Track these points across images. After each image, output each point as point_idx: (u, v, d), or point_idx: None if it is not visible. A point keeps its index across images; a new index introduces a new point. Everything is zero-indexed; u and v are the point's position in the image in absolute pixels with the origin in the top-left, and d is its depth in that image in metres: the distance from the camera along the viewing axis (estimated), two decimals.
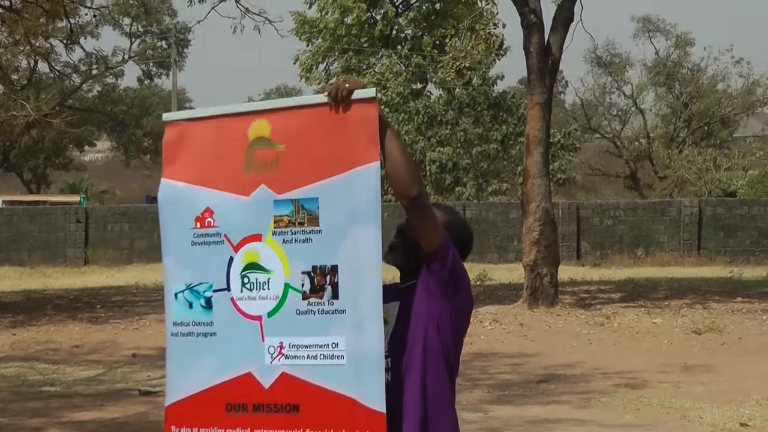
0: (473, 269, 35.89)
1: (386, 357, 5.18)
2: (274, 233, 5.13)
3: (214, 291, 5.28)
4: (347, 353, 4.99)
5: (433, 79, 57.02)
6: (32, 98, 34.14)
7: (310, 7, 53.69)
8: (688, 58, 70.98)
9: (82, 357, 20.55)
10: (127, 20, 56.46)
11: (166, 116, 5.65)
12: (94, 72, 55.24)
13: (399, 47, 55.18)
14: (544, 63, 27.68)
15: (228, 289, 5.24)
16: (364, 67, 55.93)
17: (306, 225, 5.07)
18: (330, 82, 4.83)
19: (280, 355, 5.11)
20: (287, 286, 5.10)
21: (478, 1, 49.29)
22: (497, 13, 34.86)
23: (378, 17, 52.99)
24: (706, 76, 70.49)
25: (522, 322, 24.55)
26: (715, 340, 21.65)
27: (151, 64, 65.07)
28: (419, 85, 57.50)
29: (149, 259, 46.68)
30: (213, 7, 30.89)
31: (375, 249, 4.95)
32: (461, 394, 15.14)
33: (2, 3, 28.20)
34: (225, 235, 5.25)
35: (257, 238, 5.18)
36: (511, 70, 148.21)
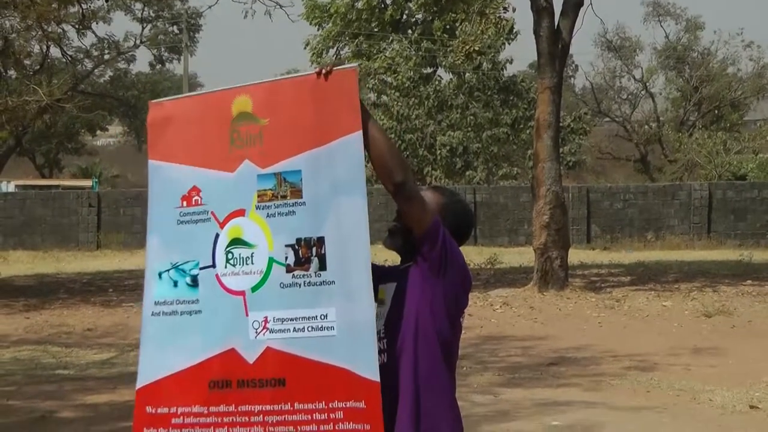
0: (483, 252, 36.07)
1: (382, 338, 5.26)
2: (257, 208, 5.15)
3: (201, 268, 5.28)
4: (338, 324, 4.99)
5: (444, 64, 56.95)
6: (44, 83, 34.09)
7: None
8: (698, 42, 70.97)
9: (95, 340, 20.59)
10: (138, 5, 56.45)
11: (153, 102, 5.70)
12: (106, 57, 55.23)
13: (409, 32, 55.11)
14: (554, 47, 27.66)
15: (214, 265, 5.24)
16: (375, 51, 55.86)
17: (289, 198, 5.08)
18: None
19: (264, 330, 5.10)
20: (271, 260, 5.10)
21: None
22: None
23: (388, 2, 52.95)
24: (716, 59, 70.43)
25: (532, 305, 24.57)
26: (725, 323, 21.64)
27: (162, 49, 65.01)
28: (429, 70, 57.40)
29: None
30: None
31: (362, 218, 4.99)
32: (472, 377, 15.20)
33: None
34: (212, 212, 5.27)
35: (241, 213, 5.20)
36: (521, 54, 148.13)
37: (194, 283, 5.28)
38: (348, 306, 4.99)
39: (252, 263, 5.14)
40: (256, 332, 5.11)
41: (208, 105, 5.40)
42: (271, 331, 5.07)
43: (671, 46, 70.51)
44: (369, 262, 5.00)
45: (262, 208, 5.14)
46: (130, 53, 59.87)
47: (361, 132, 4.94)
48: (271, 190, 5.11)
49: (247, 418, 5.10)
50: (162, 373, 5.32)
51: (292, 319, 5.04)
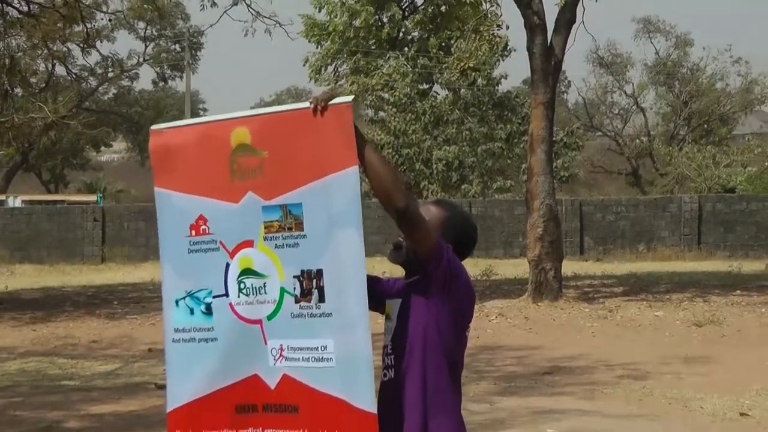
0: (479, 264, 36.08)
1: (389, 353, 5.32)
2: (265, 239, 5.18)
3: (214, 297, 5.32)
4: (335, 355, 5.04)
5: (439, 80, 57.16)
6: (50, 100, 34.21)
7: (319, 11, 53.73)
8: (687, 58, 71.11)
9: (100, 352, 20.61)
10: (141, 24, 56.61)
11: (154, 127, 5.71)
12: (110, 75, 55.38)
13: (406, 49, 55.22)
14: (547, 63, 27.72)
15: (227, 294, 5.28)
16: (372, 68, 55.97)
17: (294, 230, 5.11)
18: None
19: (281, 357, 5.18)
20: (282, 290, 5.15)
21: (483, 3, 49.31)
22: (501, 15, 34.70)
23: (385, 20, 53.08)
24: (705, 75, 70.59)
25: (527, 316, 24.59)
26: (716, 332, 21.66)
27: (165, 66, 65.20)
28: (426, 86, 57.53)
29: None
30: (225, 11, 30.98)
31: (357, 252, 4.98)
32: (468, 386, 15.17)
33: (20, 8, 28.25)
34: (220, 242, 5.30)
35: (250, 244, 5.23)
36: (514, 70, 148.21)
37: (209, 311, 5.33)
38: (345, 338, 5.04)
39: (265, 293, 5.18)
40: (275, 359, 5.19)
41: (207, 135, 5.40)
42: (287, 359, 5.16)
43: (661, 62, 70.66)
44: (365, 296, 5.01)
45: (270, 239, 5.17)
46: (133, 71, 60.06)
47: (356, 167, 4.97)
48: (278, 221, 5.14)
49: None
50: (189, 397, 5.40)
51: (300, 349, 5.13)
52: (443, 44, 55.11)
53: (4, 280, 37.55)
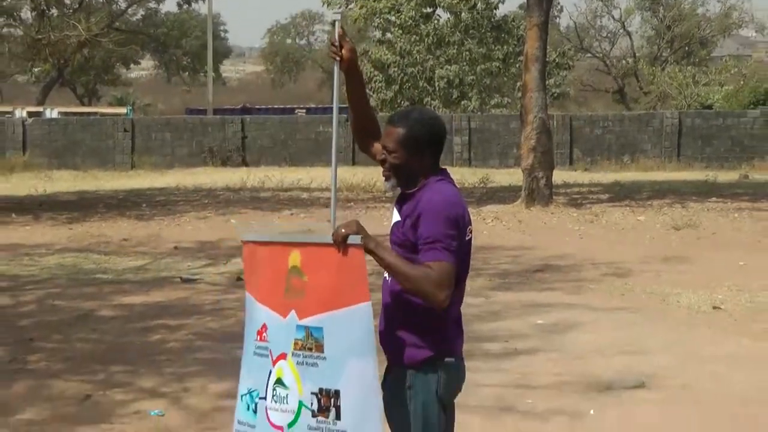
0: (477, 173, 36.03)
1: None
2: (293, 354, 5.20)
3: (259, 398, 5.38)
4: None
5: (442, 4, 56.68)
6: (83, 20, 33.93)
7: None
8: None
9: (130, 249, 20.65)
10: None
11: (243, 236, 5.77)
12: None
13: None
14: None
15: (265, 398, 5.34)
16: None
17: (314, 351, 5.13)
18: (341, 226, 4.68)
19: None
20: (300, 404, 5.17)
21: None
22: None
23: None
24: (687, 1, 70.07)
25: (520, 219, 24.61)
26: (692, 235, 21.69)
27: None
28: (429, 9, 57.09)
29: (188, 165, 46.75)
30: None
31: (372, 379, 5.00)
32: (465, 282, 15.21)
33: None
34: (270, 350, 5.34)
35: (284, 356, 5.26)
36: None
37: (255, 410, 5.40)
38: None
39: (287, 403, 5.21)
40: None
41: (274, 254, 5.44)
42: None
43: None
44: (379, 419, 5.01)
45: (294, 356, 5.20)
46: None
47: (369, 303, 4.97)
48: (301, 341, 5.17)
49: None
50: None
51: None
52: None
53: (43, 184, 37.52)
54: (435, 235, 5.04)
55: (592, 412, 9.27)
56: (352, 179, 29.55)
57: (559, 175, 31.96)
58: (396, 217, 5.34)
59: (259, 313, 5.43)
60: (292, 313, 5.21)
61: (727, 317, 13.28)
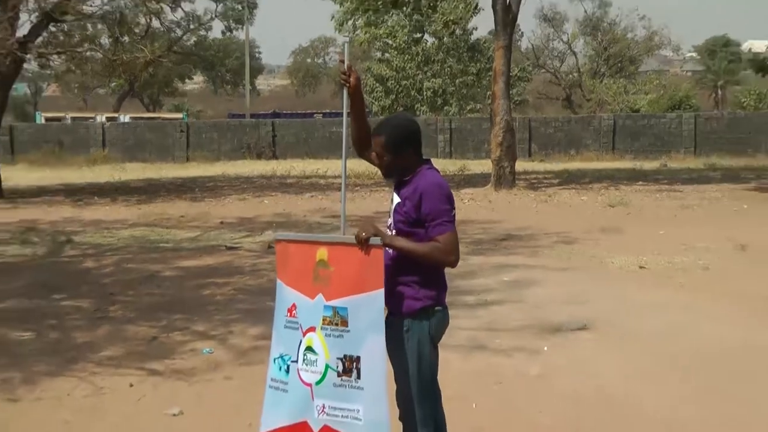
0: (456, 163, 36.00)
1: (391, 228, 5.39)
2: (322, 328, 5.28)
3: (291, 361, 5.45)
4: (364, 417, 5.16)
5: (428, 31, 56.74)
6: (149, 45, 33.95)
7: None
8: (607, 15, 70.29)
9: (186, 224, 20.64)
10: None
11: (277, 236, 5.80)
12: (191, 27, 54.90)
13: (404, 8, 54.64)
14: (507, 17, 27.60)
15: (297, 361, 5.41)
16: (380, 22, 55.39)
17: (339, 326, 5.22)
18: (358, 227, 4.81)
19: (323, 413, 5.27)
20: (327, 366, 5.26)
21: None
22: None
23: None
24: (620, 27, 69.89)
25: (490, 200, 24.64)
26: (624, 211, 21.70)
27: (230, 21, 64.45)
28: (418, 35, 57.16)
29: (231, 158, 46.76)
30: None
31: (382, 347, 5.15)
32: None
33: None
34: (300, 325, 5.41)
35: (313, 329, 5.33)
36: (482, 24, 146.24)
37: (288, 370, 5.46)
38: (371, 406, 5.15)
39: (316, 366, 5.29)
40: (318, 413, 5.29)
41: (303, 250, 5.49)
42: (327, 415, 5.26)
43: (588, 18, 69.82)
44: (385, 380, 5.12)
45: (323, 329, 5.28)
46: (208, 24, 59.34)
47: (382, 290, 5.11)
48: (329, 317, 5.25)
49: None
50: (270, 426, 5.53)
51: (339, 409, 5.22)
52: (431, 4, 54.49)
53: (118, 173, 37.53)
54: (437, 212, 5.15)
55: (546, 348, 9.30)
56: (358, 169, 29.49)
57: (521, 165, 31.96)
58: (396, 199, 5.35)
59: (289, 295, 5.49)
60: (320, 296, 5.30)
61: (650, 275, 13.31)
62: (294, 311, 5.47)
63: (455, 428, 5.71)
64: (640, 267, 13.87)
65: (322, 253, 5.38)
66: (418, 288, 5.25)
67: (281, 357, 5.52)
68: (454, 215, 5.24)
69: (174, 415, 7.51)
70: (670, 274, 13.34)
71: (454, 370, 7.85)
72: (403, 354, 5.24)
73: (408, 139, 5.35)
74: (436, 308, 5.33)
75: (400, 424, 5.41)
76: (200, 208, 24.11)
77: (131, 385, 8.32)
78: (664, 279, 12.94)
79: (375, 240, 5.09)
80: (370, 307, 5.16)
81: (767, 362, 8.71)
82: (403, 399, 5.30)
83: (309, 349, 5.36)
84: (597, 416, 7.31)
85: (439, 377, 5.49)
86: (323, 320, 5.28)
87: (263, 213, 22.54)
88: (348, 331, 5.20)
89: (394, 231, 5.33)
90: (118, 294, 12.55)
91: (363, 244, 5.10)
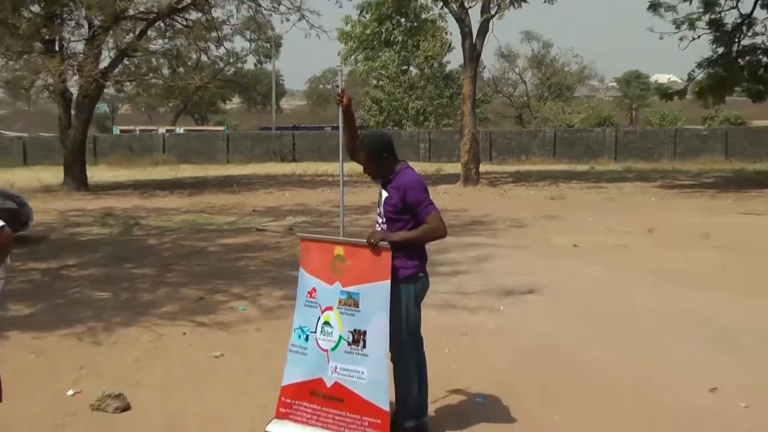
0: (434, 166, 35.94)
1: (381, 215, 5.45)
2: (338, 308, 5.37)
3: (310, 332, 5.50)
4: (367, 377, 5.26)
5: (413, 63, 56.72)
6: (198, 75, 33.99)
7: (346, 24, 53.01)
8: (549, 53, 70.12)
9: (226, 211, 20.64)
10: (247, 33, 55.85)
11: (300, 235, 5.83)
12: (231, 60, 54.86)
13: (394, 46, 54.62)
14: (473, 55, 27.61)
15: (315, 332, 5.47)
16: (376, 57, 55.62)
17: (352, 306, 5.32)
18: (369, 233, 5.00)
19: (335, 372, 5.36)
20: (340, 337, 5.35)
21: (438, 20, 48.45)
22: (447, 27, 34.55)
23: (383, 30, 52.46)
24: (559, 63, 69.80)
25: (460, 194, 24.67)
26: (563, 203, 21.72)
27: (261, 56, 64.40)
28: (405, 67, 57.10)
29: (260, 161, 46.70)
30: (293, 24, 30.95)
31: (385, 327, 5.21)
32: None
33: (182, 23, 27.94)
34: (319, 304, 5.47)
35: (330, 308, 5.41)
36: (454, 59, 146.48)
37: (307, 339, 5.51)
38: (373, 369, 5.25)
39: (331, 336, 5.38)
40: (331, 372, 5.37)
41: (324, 247, 5.54)
42: (338, 374, 5.35)
43: (535, 55, 69.70)
44: (386, 348, 5.24)
45: (339, 308, 5.37)
46: (243, 58, 59.26)
47: (388, 281, 5.20)
48: (344, 300, 5.34)
49: (328, 412, 5.39)
50: (291, 381, 5.57)
51: (348, 370, 5.31)
52: (416, 44, 54.55)
53: (174, 172, 37.52)
54: (420, 199, 5.29)
55: (501, 307, 9.31)
56: (357, 169, 29.43)
57: (483, 167, 31.94)
58: (385, 194, 5.42)
59: (310, 281, 5.54)
60: (337, 284, 5.39)
61: (581, 251, 13.32)
62: (314, 294, 5.50)
63: (432, 367, 5.71)
64: (574, 245, 13.88)
65: (339, 250, 5.45)
66: (405, 260, 5.28)
67: (300, 328, 5.56)
68: (431, 199, 5.36)
69: (216, 357, 7.53)
70: (596, 251, 13.36)
71: (432, 324, 7.85)
72: (396, 310, 5.25)
73: (381, 148, 5.45)
74: (420, 274, 5.39)
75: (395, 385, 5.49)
76: (237, 199, 24.09)
77: (184, 334, 8.34)
78: (592, 255, 12.96)
79: (383, 243, 5.21)
80: (377, 293, 5.22)
81: (667, 317, 8.75)
82: (395, 345, 5.31)
83: (326, 323, 5.42)
84: (539, 358, 7.33)
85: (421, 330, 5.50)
86: (339, 302, 5.36)
87: (285, 203, 22.54)
88: (359, 311, 5.29)
89: (384, 219, 5.38)
90: (173, 264, 12.56)
91: (373, 246, 5.21)
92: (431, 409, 5.78)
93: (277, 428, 5.57)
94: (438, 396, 6.16)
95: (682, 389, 6.50)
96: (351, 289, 5.33)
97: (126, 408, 6.14)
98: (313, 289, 5.51)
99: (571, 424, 5.79)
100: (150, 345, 7.98)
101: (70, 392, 6.56)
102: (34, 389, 6.62)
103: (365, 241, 5.27)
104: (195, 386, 6.71)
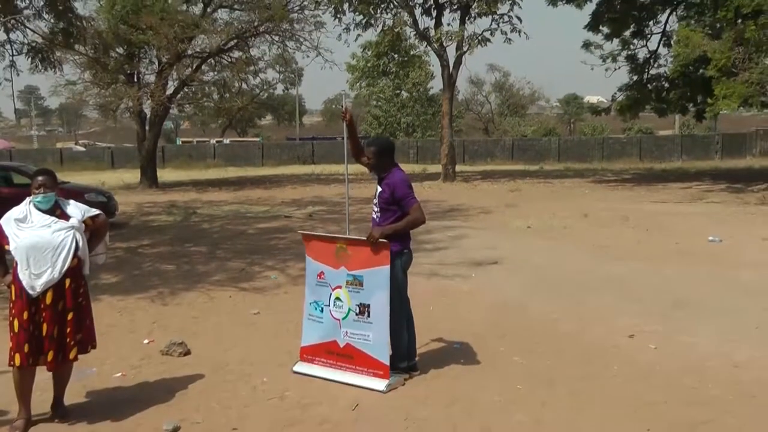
0: (421, 167, 35.71)
1: (376, 206, 5.43)
2: (346, 286, 5.35)
3: (324, 305, 5.47)
4: (372, 339, 5.25)
5: (404, 88, 56.45)
6: (240, 99, 33.96)
7: (353, 59, 52.85)
8: (508, 80, 69.83)
9: (261, 202, 20.56)
10: (276, 66, 55.58)
11: (302, 232, 5.81)
12: (264, 87, 54.61)
13: (390, 75, 54.40)
14: (450, 81, 27.46)
15: (329, 305, 5.44)
16: (375, 84, 55.48)
17: (357, 286, 5.29)
18: (371, 237, 5.01)
19: (347, 335, 5.35)
20: (349, 309, 5.34)
21: (423, 56, 48.12)
22: (430, 61, 34.30)
23: (380, 63, 52.20)
24: (515, 87, 69.61)
25: (440, 188, 24.51)
26: (519, 194, 21.63)
27: (287, 83, 64.08)
28: (398, 91, 56.83)
29: (287, 164, 46.43)
30: (312, 60, 31.00)
31: (386, 300, 5.19)
32: None
33: (228, 60, 27.89)
34: (329, 284, 5.43)
35: (339, 287, 5.38)
36: (436, 84, 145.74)
37: (322, 311, 5.47)
38: (376, 334, 5.24)
39: (342, 308, 5.36)
40: (343, 335, 5.37)
41: (324, 241, 5.52)
42: (349, 337, 5.34)
43: (497, 81, 69.39)
44: (387, 318, 5.19)
45: (346, 287, 5.34)
46: (273, 85, 58.87)
47: (388, 266, 5.16)
48: (350, 280, 5.32)
49: (342, 365, 5.38)
50: (309, 342, 5.54)
51: (357, 333, 5.30)
52: (406, 75, 54.37)
53: (222, 173, 37.40)
54: (405, 194, 5.28)
55: (473, 275, 9.30)
56: (360, 170, 29.36)
57: (458, 167, 31.76)
58: (379, 189, 5.43)
59: (317, 266, 5.50)
60: (343, 268, 5.36)
61: (534, 231, 13.29)
62: (323, 276, 5.46)
63: (419, 321, 5.71)
64: (528, 227, 13.84)
65: (342, 242, 5.41)
66: (394, 241, 5.28)
67: (315, 302, 5.52)
68: (414, 193, 5.35)
69: (254, 314, 7.54)
70: (545, 230, 13.33)
71: (419, 288, 7.86)
72: (391, 275, 5.24)
73: (385, 149, 5.46)
74: (405, 251, 5.39)
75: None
76: (269, 193, 23.98)
77: (230, 297, 8.34)
78: (542, 233, 12.94)
79: (382, 240, 5.20)
80: (378, 275, 5.20)
81: (597, 279, 8.75)
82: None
83: (337, 298, 5.40)
84: (503, 315, 7.34)
85: (409, 293, 5.50)
86: (346, 282, 5.33)
87: (306, 196, 22.47)
88: (363, 289, 5.27)
89: (378, 208, 5.39)
90: (221, 243, 12.54)
91: (373, 242, 5.19)
92: (419, 353, 5.79)
93: (302, 368, 5.58)
94: (424, 343, 6.16)
95: (607, 333, 6.53)
96: (356, 272, 5.29)
97: (187, 353, 6.18)
98: (322, 272, 5.47)
99: (527, 361, 5.82)
100: (204, 305, 7.98)
101: (146, 341, 6.59)
102: (119, 338, 6.66)
103: (364, 238, 5.26)
104: (238, 336, 6.73)
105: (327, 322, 5.46)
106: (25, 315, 4.53)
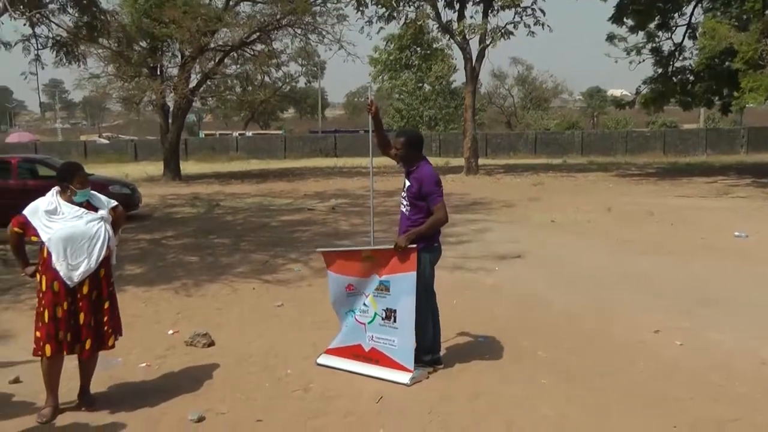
0: (443, 160, 35.62)
1: (404, 198, 5.38)
2: (373, 292, 5.35)
3: (355, 311, 5.47)
4: (397, 344, 5.25)
5: (426, 81, 56.31)
6: (262, 92, 34.04)
7: (375, 52, 52.79)
8: (531, 74, 69.38)
9: (284, 195, 20.63)
10: (299, 59, 55.74)
11: (319, 250, 5.80)
12: (287, 80, 54.67)
13: (412, 68, 54.26)
14: (473, 74, 27.31)
15: (354, 311, 5.45)
16: (398, 77, 55.35)
17: (383, 291, 5.30)
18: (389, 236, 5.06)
19: (372, 340, 5.36)
20: (375, 314, 5.34)
21: (446, 49, 47.92)
22: (453, 54, 34.13)
23: (403, 56, 52.11)
24: (538, 81, 69.04)
25: (464, 181, 24.42)
26: (543, 188, 21.50)
27: (309, 76, 64.20)
28: (420, 84, 56.71)
29: (310, 156, 46.55)
30: (334, 53, 31.05)
31: (412, 307, 5.19)
32: None
33: (250, 53, 27.94)
34: (363, 293, 5.41)
35: (368, 295, 5.39)
36: (459, 77, 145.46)
37: (352, 318, 5.48)
38: (401, 338, 5.25)
39: (367, 313, 5.37)
40: (368, 340, 5.38)
41: (348, 254, 5.50)
42: (374, 341, 5.36)
43: (520, 75, 69.02)
44: (413, 323, 5.20)
45: (374, 293, 5.35)
46: (296, 78, 59.01)
47: (414, 272, 5.15)
48: (377, 286, 5.31)
49: (368, 369, 5.37)
50: (338, 345, 5.56)
51: (382, 338, 5.32)
52: (428, 67, 54.13)
53: (245, 166, 37.59)
54: (432, 191, 5.24)
55: (497, 268, 9.27)
56: (385, 162, 29.42)
57: (481, 161, 31.65)
58: (407, 183, 5.38)
59: (344, 279, 5.47)
60: (374, 275, 5.34)
61: (557, 225, 13.21)
62: (353, 287, 5.45)
63: (444, 314, 5.70)
64: (551, 221, 13.76)
65: (368, 252, 5.40)
66: (422, 239, 5.27)
67: (351, 311, 5.51)
68: (443, 191, 5.30)
69: (278, 306, 7.56)
70: (568, 224, 13.24)
71: (444, 282, 7.82)
72: (419, 270, 5.23)
73: (415, 142, 5.40)
74: (435, 245, 5.39)
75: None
76: (292, 186, 24.05)
77: (254, 288, 8.38)
78: (565, 228, 12.86)
79: (410, 245, 5.18)
80: (405, 281, 5.19)
81: (621, 274, 8.68)
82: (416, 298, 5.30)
83: (364, 304, 5.41)
84: (527, 309, 7.30)
85: (434, 286, 5.47)
86: (375, 288, 5.33)
87: (329, 188, 22.52)
88: (390, 294, 5.27)
89: (408, 202, 5.34)
90: (245, 235, 12.60)
91: (401, 249, 5.17)
92: (443, 346, 5.78)
93: (325, 360, 5.60)
94: (449, 337, 6.15)
95: (632, 328, 6.46)
96: (384, 278, 5.29)
97: (211, 344, 6.21)
98: (350, 284, 5.46)
99: (551, 356, 5.78)
100: (228, 297, 8.02)
101: (170, 331, 6.64)
102: (144, 329, 6.71)
103: (388, 247, 5.26)
104: (262, 328, 6.75)
105: (351, 326, 5.49)
106: (65, 305, 4.60)
